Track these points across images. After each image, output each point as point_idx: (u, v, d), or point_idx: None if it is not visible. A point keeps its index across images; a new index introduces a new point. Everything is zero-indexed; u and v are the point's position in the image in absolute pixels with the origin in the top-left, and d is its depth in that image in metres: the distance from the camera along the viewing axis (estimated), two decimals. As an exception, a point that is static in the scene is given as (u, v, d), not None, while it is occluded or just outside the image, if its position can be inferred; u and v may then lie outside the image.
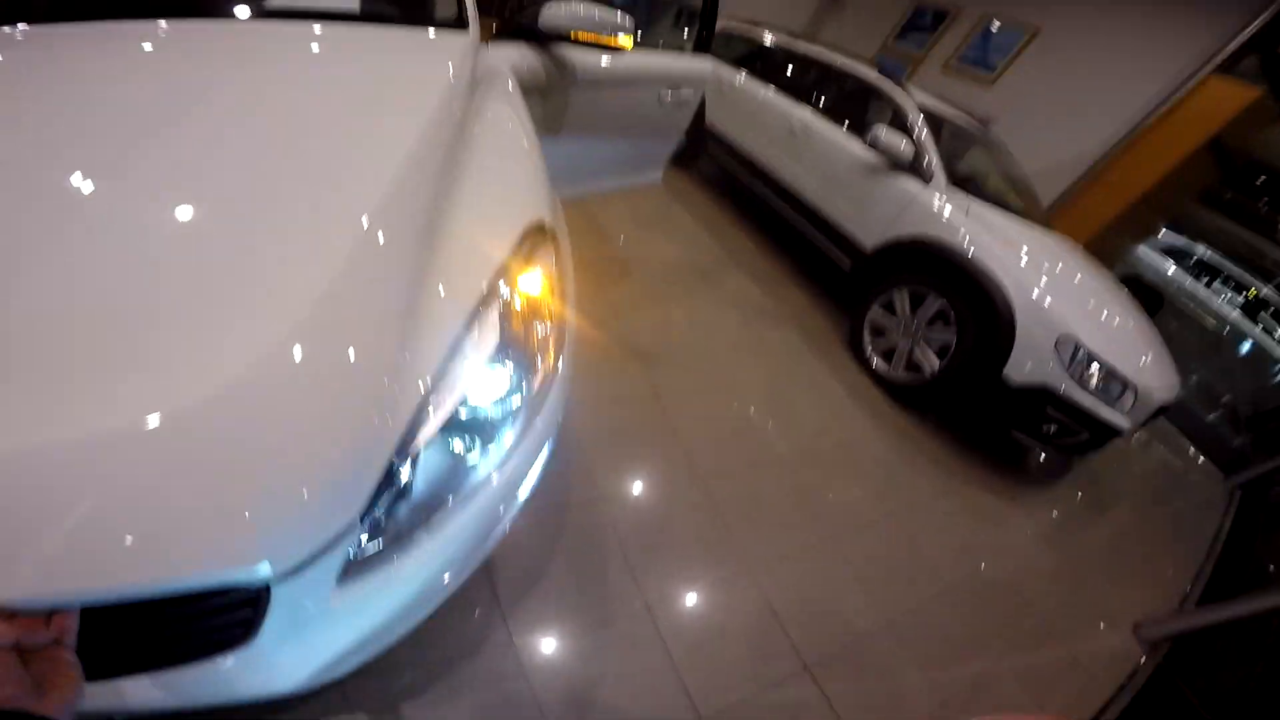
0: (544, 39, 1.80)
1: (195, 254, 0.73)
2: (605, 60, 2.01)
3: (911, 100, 3.58)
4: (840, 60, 4.25)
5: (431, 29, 1.50)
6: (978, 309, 2.78)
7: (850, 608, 1.96)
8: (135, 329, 0.65)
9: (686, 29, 2.90)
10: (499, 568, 1.59)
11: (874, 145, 3.28)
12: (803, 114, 4.06)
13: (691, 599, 1.76)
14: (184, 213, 0.77)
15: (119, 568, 0.58)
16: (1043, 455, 3.31)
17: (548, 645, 1.50)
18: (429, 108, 1.09)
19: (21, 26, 0.98)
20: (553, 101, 1.99)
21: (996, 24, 5.74)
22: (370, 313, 0.78)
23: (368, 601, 0.78)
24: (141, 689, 0.67)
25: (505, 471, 0.89)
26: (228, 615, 0.69)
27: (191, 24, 1.14)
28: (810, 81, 4.35)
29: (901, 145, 3.21)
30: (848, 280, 3.62)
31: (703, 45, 2.53)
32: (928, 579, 2.20)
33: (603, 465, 2.03)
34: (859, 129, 3.68)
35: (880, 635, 1.90)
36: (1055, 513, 2.96)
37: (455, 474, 0.85)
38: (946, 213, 3.07)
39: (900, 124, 3.49)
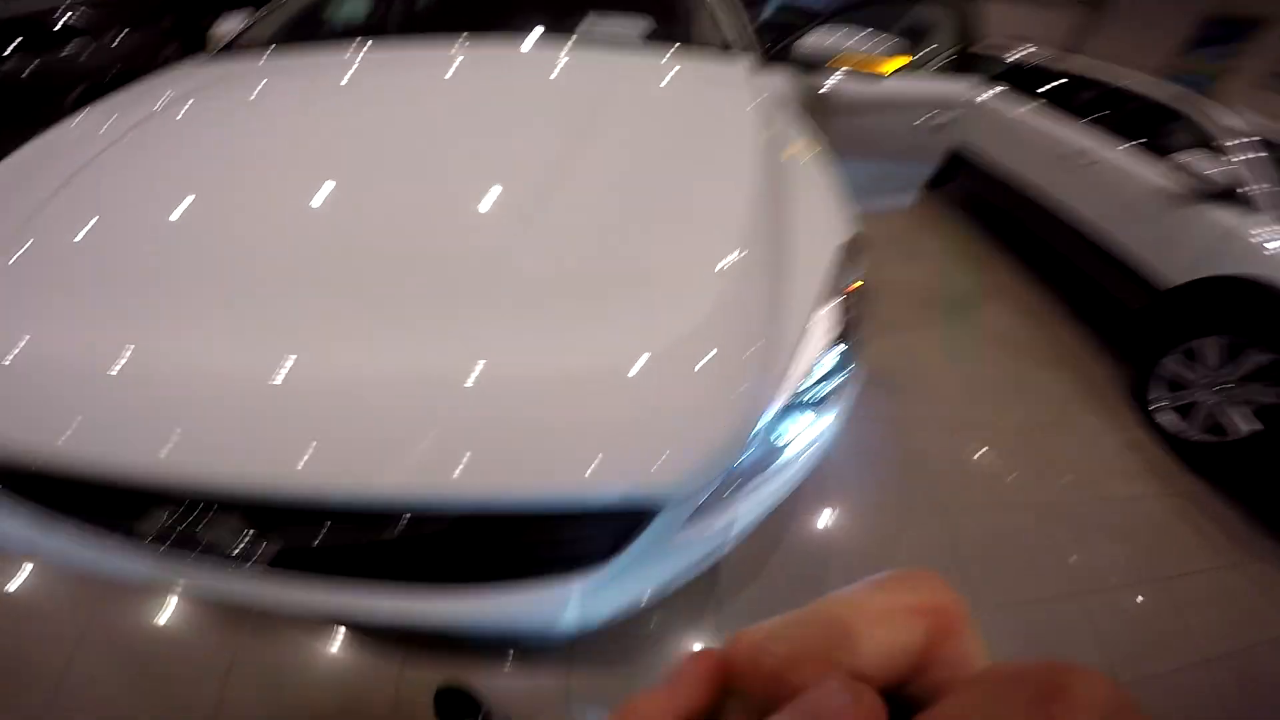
0: (804, 66, 1.88)
1: (625, 256, 0.95)
2: (861, 86, 2.03)
3: (1225, 119, 3.01)
4: (1122, 76, 3.74)
5: (720, 54, 1.64)
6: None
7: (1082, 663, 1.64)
8: (599, 304, 0.86)
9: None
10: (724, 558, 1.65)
11: (1183, 170, 2.81)
12: (1077, 135, 3.63)
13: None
14: (605, 221, 1.00)
15: (572, 473, 0.72)
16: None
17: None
18: (750, 135, 1.21)
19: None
20: (810, 125, 2.05)
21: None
22: (750, 308, 0.91)
23: (691, 544, 0.87)
24: (463, 607, 0.81)
25: (817, 445, 0.97)
26: (601, 529, 0.80)
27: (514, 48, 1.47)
28: (1084, 100, 3.88)
29: (1217, 170, 2.70)
30: (1134, 320, 3.09)
31: (961, 66, 2.41)
32: (1185, 649, 1.81)
33: (837, 479, 2.01)
34: (1152, 151, 3.19)
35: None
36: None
37: (776, 446, 0.93)
38: (1282, 249, 2.48)
39: (1206, 145, 2.95)
